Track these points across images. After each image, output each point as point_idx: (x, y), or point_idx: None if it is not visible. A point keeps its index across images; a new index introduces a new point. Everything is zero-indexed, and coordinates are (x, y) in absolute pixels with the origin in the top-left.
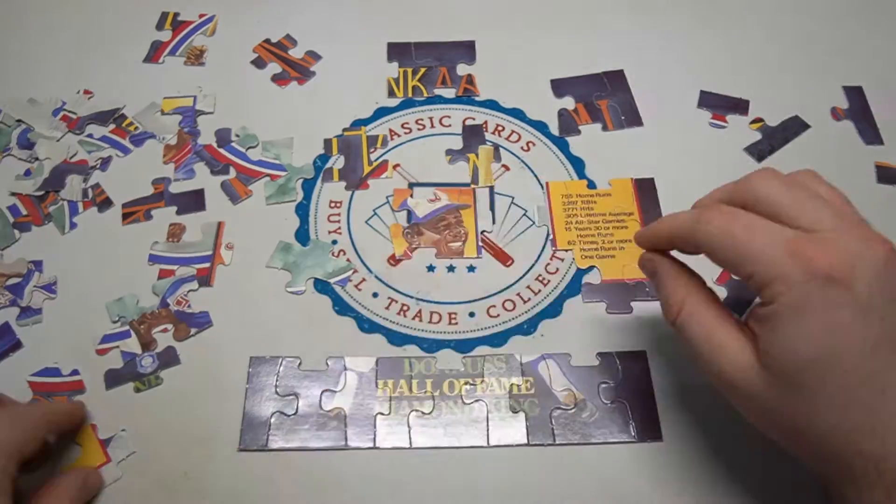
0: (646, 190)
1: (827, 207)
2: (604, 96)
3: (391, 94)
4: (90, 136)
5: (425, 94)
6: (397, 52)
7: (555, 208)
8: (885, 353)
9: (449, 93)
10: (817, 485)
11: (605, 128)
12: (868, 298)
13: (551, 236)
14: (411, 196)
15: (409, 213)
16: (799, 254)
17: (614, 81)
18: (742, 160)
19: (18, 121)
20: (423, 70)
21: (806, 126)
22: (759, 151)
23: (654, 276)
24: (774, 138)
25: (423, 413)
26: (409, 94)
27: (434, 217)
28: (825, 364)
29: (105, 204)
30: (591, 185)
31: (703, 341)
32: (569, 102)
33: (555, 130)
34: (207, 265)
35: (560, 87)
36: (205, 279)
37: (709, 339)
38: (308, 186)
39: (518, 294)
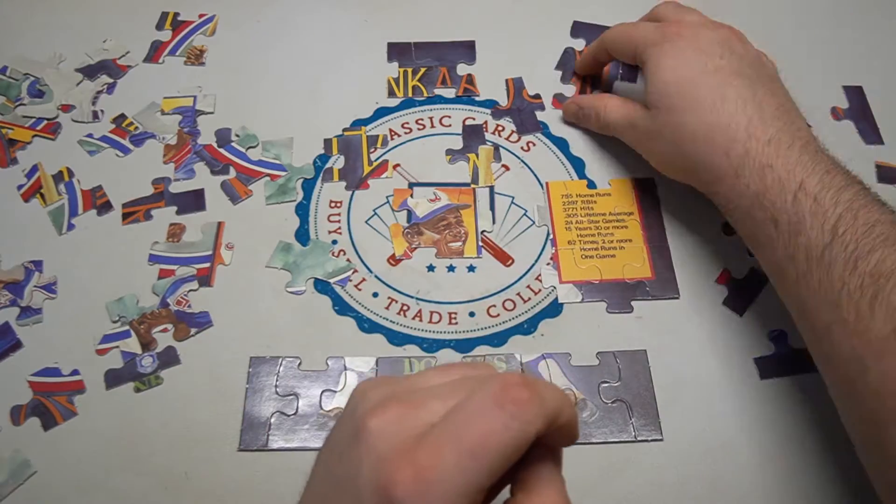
0: (646, 190)
1: (697, 14)
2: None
3: (391, 94)
4: (90, 135)
5: (425, 94)
6: (397, 52)
7: (555, 208)
8: (723, 75)
9: (449, 93)
10: (817, 484)
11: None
12: (707, 45)
13: (551, 236)
14: (411, 196)
15: (409, 213)
16: (661, 27)
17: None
18: None
19: (25, 74)
20: (423, 70)
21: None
22: None
23: (580, 108)
24: None
25: None
26: (410, 94)
27: (434, 217)
28: (677, 83)
29: (105, 207)
30: (591, 184)
31: (619, 119)
32: (570, 90)
33: (555, 130)
34: (207, 265)
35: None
36: (205, 279)
37: (621, 115)
38: (308, 186)
39: (518, 294)
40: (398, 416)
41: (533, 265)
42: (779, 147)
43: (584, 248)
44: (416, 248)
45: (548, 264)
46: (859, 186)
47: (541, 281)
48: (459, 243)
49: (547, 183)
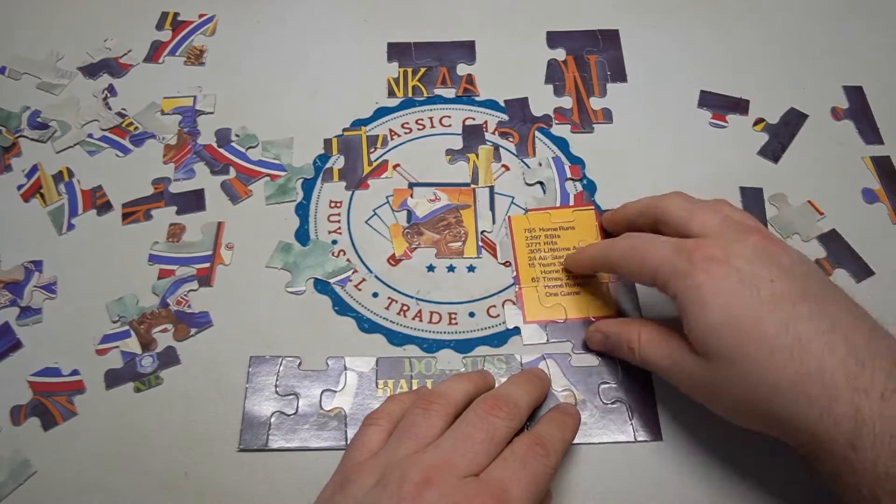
0: None
1: (717, 217)
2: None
3: (391, 93)
4: (90, 135)
5: (425, 94)
6: (397, 52)
7: (517, 244)
8: (785, 305)
9: (449, 93)
10: (816, 484)
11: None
12: (749, 268)
13: (514, 273)
14: (411, 196)
15: (409, 213)
16: (683, 250)
17: (615, 75)
18: (758, 163)
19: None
20: (423, 70)
21: (804, 116)
22: (772, 152)
23: (606, 340)
24: (781, 135)
25: None
26: (409, 94)
27: (434, 217)
28: (730, 325)
29: (105, 207)
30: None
31: (661, 360)
32: (567, 101)
33: (555, 130)
34: (207, 265)
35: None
36: (205, 279)
37: (662, 355)
38: (308, 186)
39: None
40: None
41: None
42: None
43: (548, 285)
44: (416, 249)
45: (510, 301)
46: None
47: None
48: (459, 243)
49: (509, 217)
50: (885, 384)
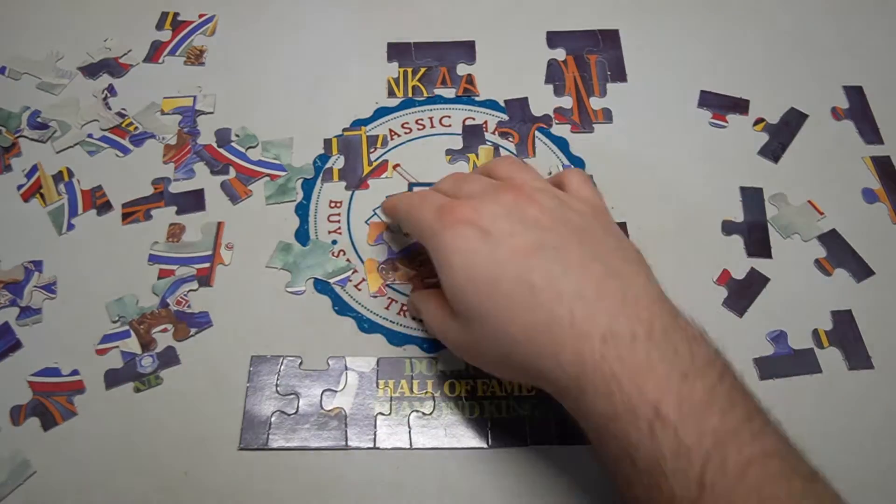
0: None
1: (482, 182)
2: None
3: (391, 94)
4: (90, 135)
5: (425, 94)
6: (397, 52)
7: None
8: (520, 257)
9: (449, 93)
10: None
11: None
12: (493, 225)
13: None
14: (387, 230)
15: (387, 248)
16: (440, 212)
17: (615, 75)
18: (758, 163)
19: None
20: (423, 70)
21: (804, 116)
22: (772, 152)
23: (409, 303)
24: (781, 134)
25: (423, 413)
26: (409, 94)
27: (411, 251)
28: (471, 281)
29: (105, 207)
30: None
31: (432, 322)
32: (567, 101)
33: (555, 130)
34: (207, 265)
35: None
36: (205, 279)
37: (433, 318)
38: (308, 186)
39: None
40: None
41: None
42: (618, 345)
43: None
44: (390, 285)
45: None
46: (723, 390)
47: None
48: (436, 279)
49: None
50: (608, 326)
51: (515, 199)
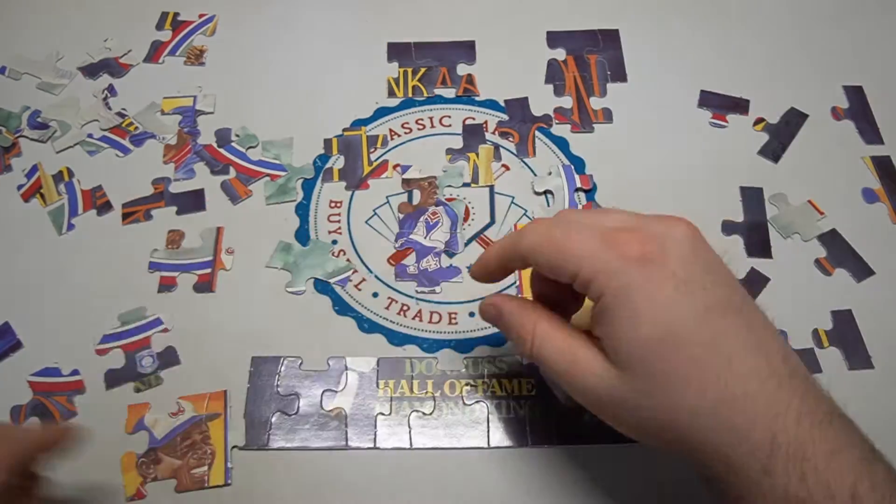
0: None
1: (625, 213)
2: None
3: (391, 93)
4: (90, 135)
5: (425, 94)
6: (397, 52)
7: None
8: (715, 318)
9: (449, 93)
10: None
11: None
12: (684, 271)
13: (517, 283)
14: (149, 410)
15: (149, 435)
16: (612, 243)
17: (615, 75)
18: (758, 163)
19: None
20: (423, 70)
21: (804, 115)
22: (772, 152)
23: (500, 318)
24: (781, 134)
25: (423, 414)
26: (410, 94)
27: (177, 436)
28: (663, 341)
29: (105, 207)
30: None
31: (560, 359)
32: (567, 101)
33: (555, 130)
34: (208, 271)
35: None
36: (206, 285)
37: (563, 354)
38: (308, 186)
39: (519, 294)
40: None
41: None
42: (811, 426)
43: None
44: (150, 481)
45: None
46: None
47: None
48: (204, 468)
49: (515, 226)
50: (800, 407)
51: (692, 232)
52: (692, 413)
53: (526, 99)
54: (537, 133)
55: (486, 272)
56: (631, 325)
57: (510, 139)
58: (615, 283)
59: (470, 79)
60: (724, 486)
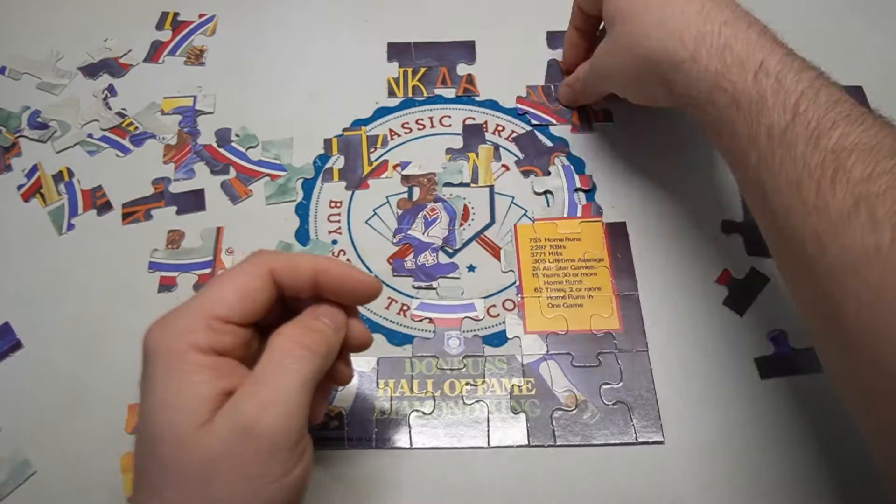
0: (617, 234)
1: None
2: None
3: (391, 93)
4: (90, 135)
5: (425, 94)
6: (397, 52)
7: (522, 253)
8: None
9: (449, 93)
10: (818, 484)
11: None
12: None
13: (517, 283)
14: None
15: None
16: None
17: None
18: None
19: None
20: (423, 70)
21: None
22: None
23: (568, 92)
24: None
25: (423, 413)
26: (410, 94)
27: None
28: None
29: (105, 207)
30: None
31: (588, 64)
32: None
33: (555, 130)
34: (208, 271)
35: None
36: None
37: (588, 60)
38: (308, 186)
39: (519, 293)
40: None
41: None
42: (736, 28)
43: (551, 296)
44: None
45: (511, 310)
46: (819, 70)
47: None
48: None
49: (515, 226)
50: (730, 17)
51: None
52: (646, 33)
53: (532, 132)
54: (538, 133)
55: (571, 56)
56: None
57: (534, 175)
58: None
59: (470, 79)
60: (671, 86)
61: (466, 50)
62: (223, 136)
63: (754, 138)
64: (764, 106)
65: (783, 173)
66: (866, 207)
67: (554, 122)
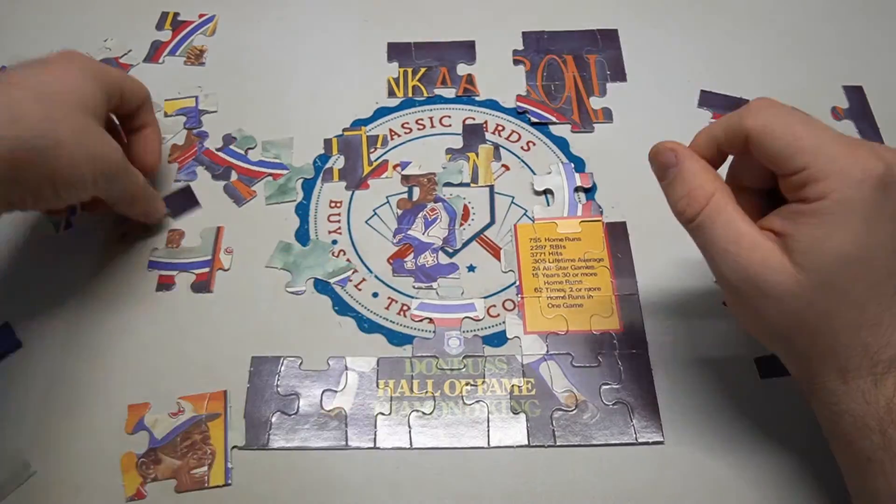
0: (617, 234)
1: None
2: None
3: (391, 94)
4: None
5: (425, 94)
6: (397, 52)
7: (522, 253)
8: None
9: (449, 93)
10: (818, 484)
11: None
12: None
13: (517, 283)
14: (150, 410)
15: (149, 435)
16: (856, 154)
17: (615, 74)
18: None
19: None
20: (423, 70)
21: None
22: None
23: (675, 165)
24: None
25: (423, 413)
26: (410, 94)
27: (176, 437)
28: (860, 263)
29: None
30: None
31: (732, 240)
32: (567, 101)
33: (555, 130)
34: (207, 270)
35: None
36: (204, 284)
37: (739, 237)
38: (308, 186)
39: (519, 293)
40: None
41: None
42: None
43: (551, 296)
44: (150, 482)
45: (511, 310)
46: None
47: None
48: (204, 468)
49: (515, 226)
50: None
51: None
52: (843, 326)
53: (543, 32)
54: (538, 133)
55: (698, 149)
56: (841, 238)
57: (521, 66)
58: (846, 193)
59: (470, 79)
60: (815, 388)
61: (466, 50)
62: (227, 140)
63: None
64: None
65: None
66: None
67: (554, 120)
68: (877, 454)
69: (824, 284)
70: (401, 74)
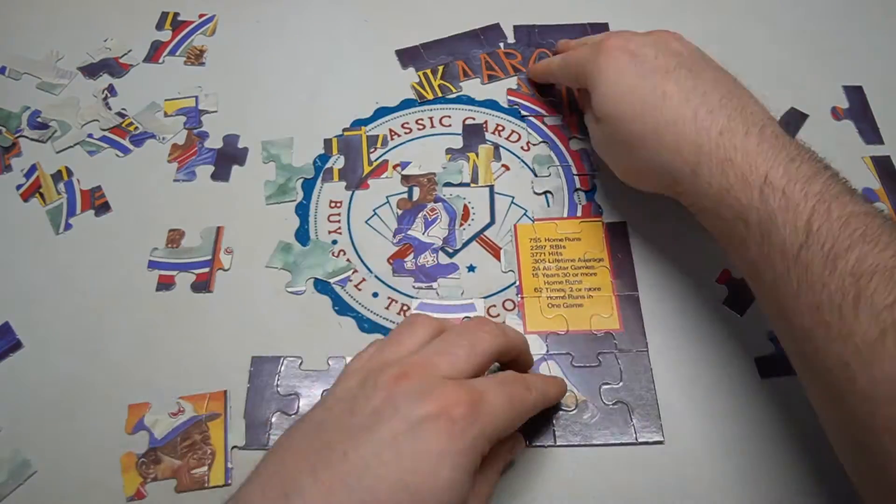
0: (617, 234)
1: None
2: None
3: (421, 98)
4: (90, 135)
5: (453, 90)
6: (408, 57)
7: (522, 253)
8: (661, 73)
9: (474, 83)
10: (818, 484)
11: None
12: (641, 51)
13: (517, 283)
14: (150, 410)
15: (149, 436)
16: (593, 45)
17: None
18: None
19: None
20: (441, 68)
21: (804, 115)
22: None
23: (549, 70)
24: None
25: None
26: (439, 94)
27: (176, 436)
28: (620, 92)
29: (103, 208)
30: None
31: (584, 104)
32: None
33: (554, 128)
34: (207, 270)
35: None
36: (204, 284)
37: (584, 101)
38: (308, 186)
39: (518, 293)
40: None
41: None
42: (733, 137)
43: (551, 296)
44: (150, 482)
45: (511, 310)
46: (827, 174)
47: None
48: (204, 468)
49: (515, 226)
50: (725, 124)
51: (664, 34)
52: (640, 139)
53: (534, 26)
54: (536, 132)
55: (535, 76)
56: (596, 86)
57: (513, 59)
58: (590, 66)
59: (489, 63)
60: (678, 197)
61: (473, 40)
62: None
63: (767, 256)
64: (774, 224)
65: (801, 296)
66: (893, 337)
67: (544, 113)
68: (749, 213)
69: (606, 118)
70: (422, 78)
